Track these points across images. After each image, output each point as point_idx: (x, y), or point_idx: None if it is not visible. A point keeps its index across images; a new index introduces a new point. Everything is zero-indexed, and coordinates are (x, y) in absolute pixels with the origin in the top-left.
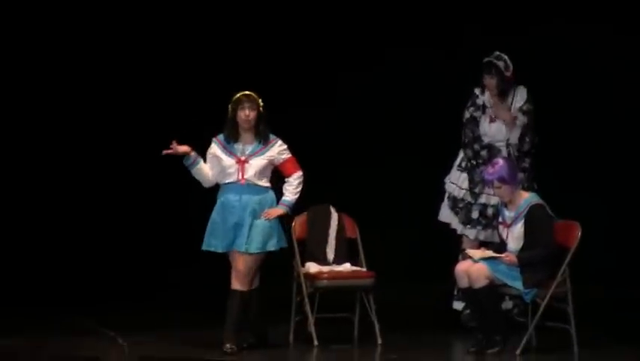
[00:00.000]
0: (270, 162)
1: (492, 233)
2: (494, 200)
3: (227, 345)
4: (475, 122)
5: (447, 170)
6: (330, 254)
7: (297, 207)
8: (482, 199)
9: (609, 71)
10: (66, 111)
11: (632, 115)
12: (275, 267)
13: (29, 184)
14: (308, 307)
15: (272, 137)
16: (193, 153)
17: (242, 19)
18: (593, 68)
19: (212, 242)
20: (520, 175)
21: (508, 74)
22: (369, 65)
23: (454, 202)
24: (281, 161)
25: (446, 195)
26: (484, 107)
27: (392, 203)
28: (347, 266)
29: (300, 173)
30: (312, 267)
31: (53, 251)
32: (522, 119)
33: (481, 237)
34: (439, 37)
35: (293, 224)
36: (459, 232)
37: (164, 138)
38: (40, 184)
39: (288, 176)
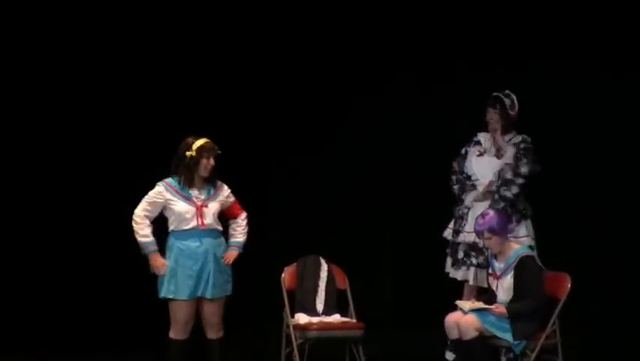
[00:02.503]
0: (221, 206)
1: (475, 274)
2: (470, 238)
3: None
4: (462, 156)
5: (437, 216)
6: (320, 305)
7: (287, 258)
8: (460, 237)
9: (600, 111)
10: None
11: (621, 158)
12: (264, 317)
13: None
14: (297, 359)
15: (217, 181)
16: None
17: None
18: (584, 107)
19: (171, 289)
20: (511, 226)
21: (512, 112)
22: (356, 111)
23: (451, 246)
24: (229, 204)
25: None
26: (477, 143)
27: (381, 253)
28: (337, 317)
29: (245, 214)
30: (302, 318)
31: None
32: (511, 151)
33: (470, 279)
34: (430, 77)
35: (282, 275)
36: (451, 275)
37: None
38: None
39: (235, 217)
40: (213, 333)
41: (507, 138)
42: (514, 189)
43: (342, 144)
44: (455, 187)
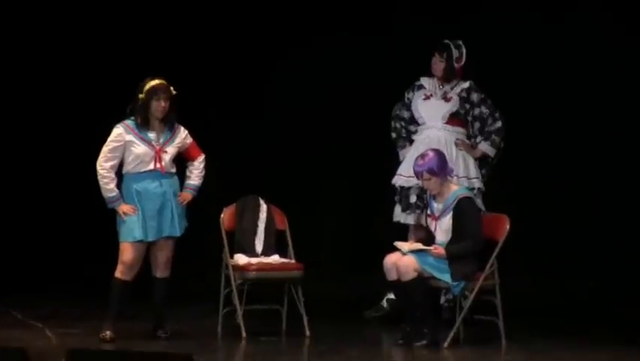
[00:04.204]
0: (179, 149)
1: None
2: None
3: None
4: (404, 103)
5: (376, 157)
6: (259, 246)
7: (226, 199)
8: (412, 181)
9: (540, 64)
10: None
11: (575, 111)
12: (204, 258)
13: None
14: (236, 299)
15: (175, 123)
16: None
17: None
18: (526, 50)
19: (137, 233)
20: (450, 167)
21: (457, 65)
22: (299, 54)
23: (400, 192)
24: (187, 146)
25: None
26: (419, 87)
27: (320, 193)
28: (276, 258)
29: (203, 156)
30: (241, 259)
31: None
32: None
33: (423, 221)
34: (368, 24)
35: (222, 215)
36: (402, 221)
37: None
38: None
39: (193, 160)
40: (161, 272)
41: (452, 84)
42: (498, 123)
43: (281, 85)
44: (393, 134)
